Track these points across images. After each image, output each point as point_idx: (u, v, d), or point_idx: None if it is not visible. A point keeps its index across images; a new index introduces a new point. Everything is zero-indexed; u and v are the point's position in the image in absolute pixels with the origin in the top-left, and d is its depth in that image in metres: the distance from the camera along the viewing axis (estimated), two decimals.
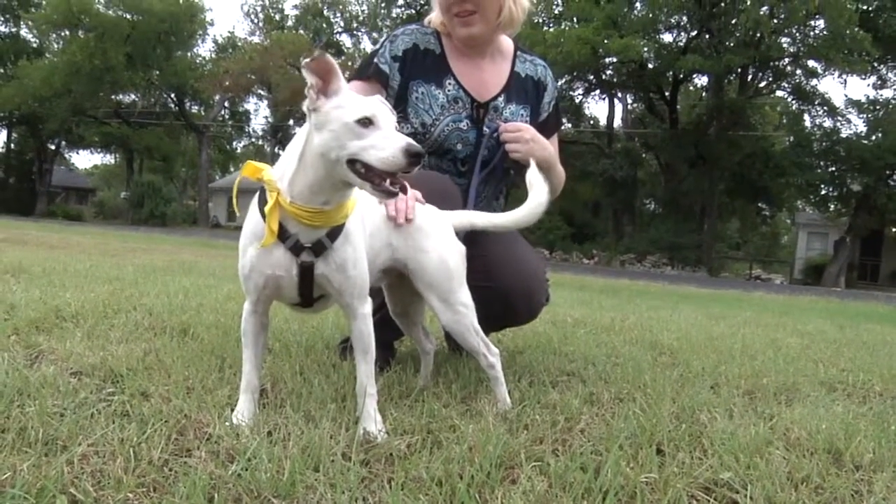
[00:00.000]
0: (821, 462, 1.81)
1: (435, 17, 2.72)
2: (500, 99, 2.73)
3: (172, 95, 48.00)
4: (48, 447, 1.53)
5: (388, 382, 2.34)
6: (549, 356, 3.20)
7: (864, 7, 30.50)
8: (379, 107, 1.69)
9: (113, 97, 46.23)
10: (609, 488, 1.50)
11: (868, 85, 42.44)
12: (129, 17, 41.75)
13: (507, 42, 2.85)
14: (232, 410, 1.85)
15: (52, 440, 1.56)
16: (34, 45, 46.12)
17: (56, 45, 45.11)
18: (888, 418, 2.42)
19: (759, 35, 29.29)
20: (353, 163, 1.63)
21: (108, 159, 64.47)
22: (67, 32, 42.69)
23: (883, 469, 1.81)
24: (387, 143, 1.60)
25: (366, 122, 1.63)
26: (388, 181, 1.62)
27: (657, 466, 1.65)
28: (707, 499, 1.56)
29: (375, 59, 2.65)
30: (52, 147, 50.12)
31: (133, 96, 49.02)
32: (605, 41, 29.91)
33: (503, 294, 2.47)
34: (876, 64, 31.95)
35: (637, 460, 1.70)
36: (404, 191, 1.68)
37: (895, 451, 1.95)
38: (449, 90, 2.67)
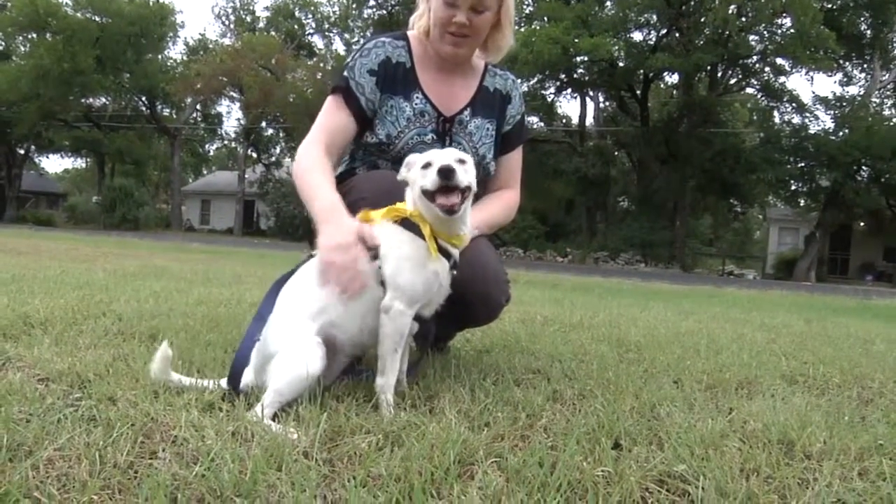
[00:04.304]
0: (773, 453, 1.86)
1: (422, 22, 2.73)
2: (466, 113, 2.76)
3: (143, 98, 47.56)
4: (13, 453, 1.54)
5: (352, 386, 2.34)
6: (515, 355, 3.24)
7: (829, 6, 31.02)
8: None
9: (83, 101, 45.71)
10: (563, 482, 1.54)
11: (835, 82, 43.16)
12: (97, 19, 41.29)
13: (479, 60, 2.89)
14: (198, 412, 1.87)
15: (18, 446, 1.57)
16: (0, 49, 45.46)
17: (23, 49, 44.49)
18: (843, 409, 2.50)
19: (727, 33, 29.62)
20: None
21: (79, 163, 63.95)
22: (35, 35, 42.04)
23: (832, 457, 1.86)
24: None
25: None
26: None
27: (613, 460, 1.69)
28: (660, 490, 1.60)
29: (346, 74, 2.65)
30: (22, 152, 49.49)
31: (103, 100, 48.44)
32: (576, 40, 30.06)
33: (461, 296, 2.50)
34: (842, 61, 32.51)
35: (594, 455, 1.74)
36: None
37: (846, 439, 2.01)
38: (416, 103, 2.69)
